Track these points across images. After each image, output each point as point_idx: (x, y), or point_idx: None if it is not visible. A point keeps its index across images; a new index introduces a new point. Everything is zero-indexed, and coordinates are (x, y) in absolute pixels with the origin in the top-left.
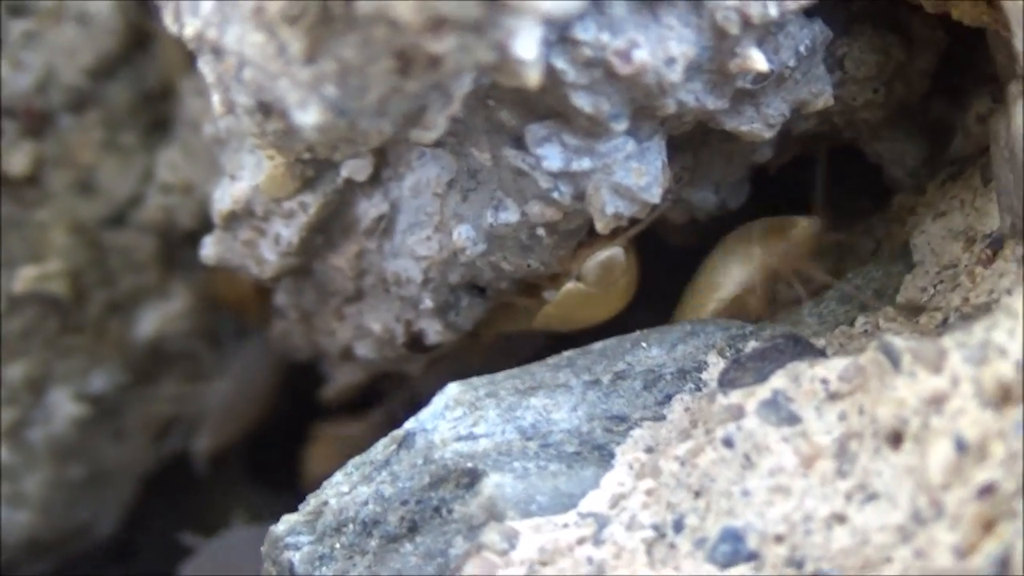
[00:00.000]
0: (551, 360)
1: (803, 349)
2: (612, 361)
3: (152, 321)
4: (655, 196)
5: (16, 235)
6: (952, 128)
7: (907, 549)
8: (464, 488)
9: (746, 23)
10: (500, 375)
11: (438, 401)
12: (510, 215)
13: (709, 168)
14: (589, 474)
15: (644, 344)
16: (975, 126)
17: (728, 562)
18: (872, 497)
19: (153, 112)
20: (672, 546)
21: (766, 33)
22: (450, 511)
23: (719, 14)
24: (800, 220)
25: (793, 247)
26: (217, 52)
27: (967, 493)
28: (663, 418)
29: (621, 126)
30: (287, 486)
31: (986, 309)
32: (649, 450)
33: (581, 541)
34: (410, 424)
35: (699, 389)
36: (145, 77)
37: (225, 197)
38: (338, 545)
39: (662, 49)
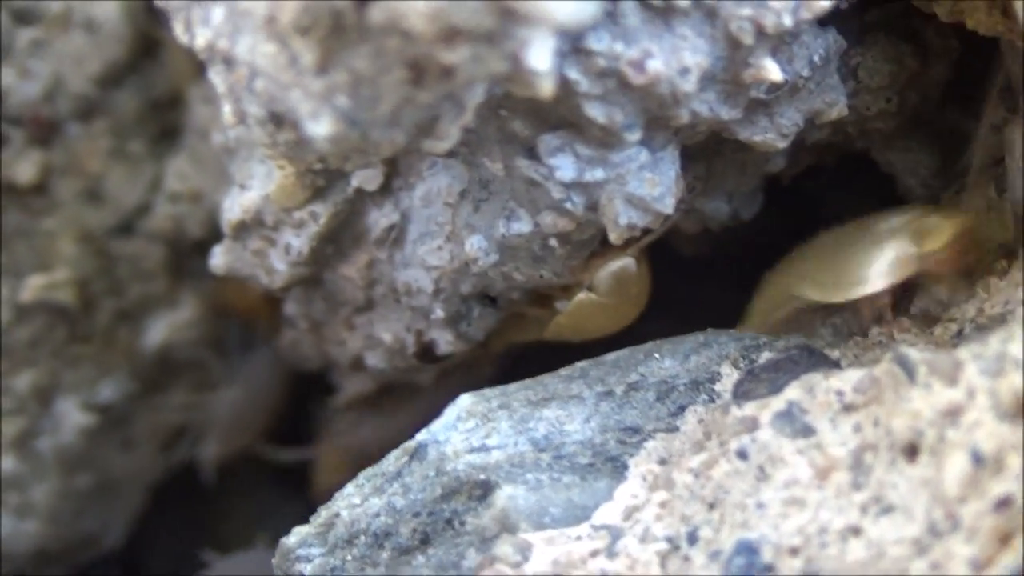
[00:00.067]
0: (564, 371)
1: (817, 360)
2: (625, 372)
3: (160, 330)
4: (668, 206)
5: (24, 244)
6: (966, 138)
7: (923, 562)
8: (476, 500)
9: (760, 33)
10: (512, 386)
11: (450, 412)
12: (523, 225)
13: (722, 178)
14: (602, 486)
15: (657, 355)
16: (989, 136)
17: (742, 575)
18: (888, 510)
19: (161, 120)
20: (686, 558)
21: (780, 43)
22: (462, 523)
23: (733, 24)
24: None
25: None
26: (228, 62)
27: (983, 506)
28: (676, 430)
29: (634, 136)
30: (296, 496)
31: (1001, 320)
32: (663, 462)
33: (595, 553)
34: (422, 435)
35: (713, 400)
36: (153, 85)
37: (235, 206)
38: (350, 557)
39: (676, 59)
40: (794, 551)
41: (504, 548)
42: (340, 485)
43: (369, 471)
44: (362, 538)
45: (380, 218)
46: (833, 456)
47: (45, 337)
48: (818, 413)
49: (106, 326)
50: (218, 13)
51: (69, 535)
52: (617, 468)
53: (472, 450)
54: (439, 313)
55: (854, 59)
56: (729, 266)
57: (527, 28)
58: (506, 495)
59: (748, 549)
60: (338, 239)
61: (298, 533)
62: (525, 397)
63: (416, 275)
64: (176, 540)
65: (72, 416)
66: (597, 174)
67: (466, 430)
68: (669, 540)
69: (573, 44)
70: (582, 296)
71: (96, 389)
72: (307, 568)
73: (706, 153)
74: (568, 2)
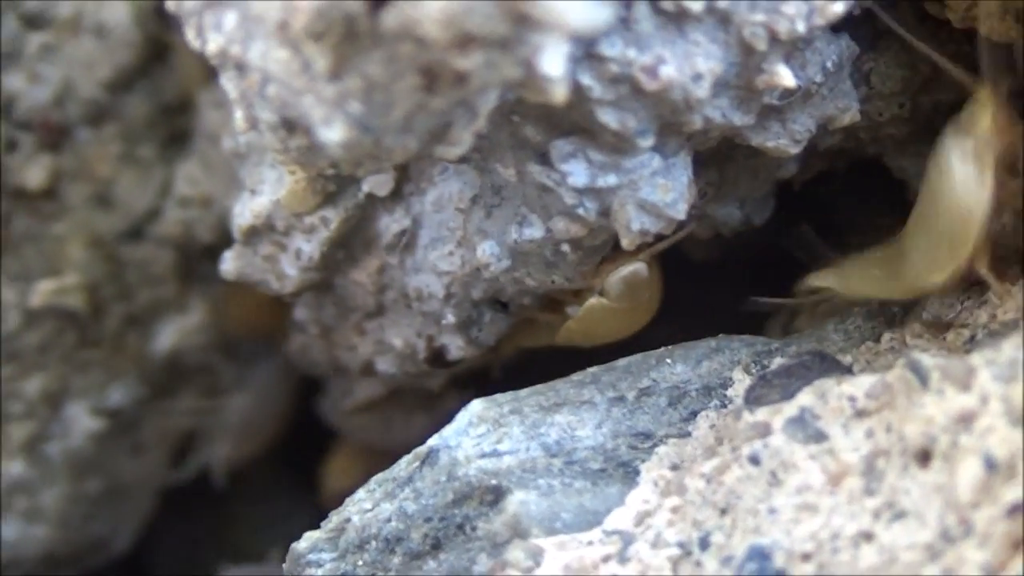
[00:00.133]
0: (575, 376)
1: (829, 366)
2: (637, 377)
3: (170, 335)
4: (681, 212)
5: (33, 249)
6: None
7: (936, 568)
8: (488, 505)
9: (773, 39)
10: (524, 391)
11: (462, 418)
12: (535, 231)
13: (734, 184)
14: (614, 491)
15: (669, 360)
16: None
17: None
18: (900, 515)
19: (171, 125)
20: (698, 564)
21: (793, 49)
22: (474, 528)
23: (746, 30)
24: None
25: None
26: (241, 68)
27: (996, 512)
28: (688, 435)
29: (647, 142)
30: (307, 501)
31: (1014, 326)
32: (674, 467)
33: (606, 559)
34: (433, 441)
35: (724, 406)
36: (163, 90)
37: (245, 212)
38: (361, 562)
39: (689, 65)
40: (806, 557)
41: (516, 553)
42: (351, 490)
43: (380, 476)
44: (373, 543)
45: (391, 223)
46: (845, 462)
47: (54, 342)
48: (830, 419)
49: (115, 331)
50: (230, 18)
51: (78, 540)
52: (629, 473)
53: (484, 455)
54: (450, 318)
55: (867, 65)
56: (741, 271)
57: (540, 34)
58: (518, 500)
59: (760, 555)
60: (349, 244)
61: (309, 538)
62: (536, 402)
63: (427, 280)
64: (185, 545)
65: (81, 421)
66: (609, 180)
67: (477, 435)
68: (681, 545)
69: (586, 50)
70: (593, 301)
71: (105, 394)
72: (318, 573)
73: (718, 159)
74: (581, 8)
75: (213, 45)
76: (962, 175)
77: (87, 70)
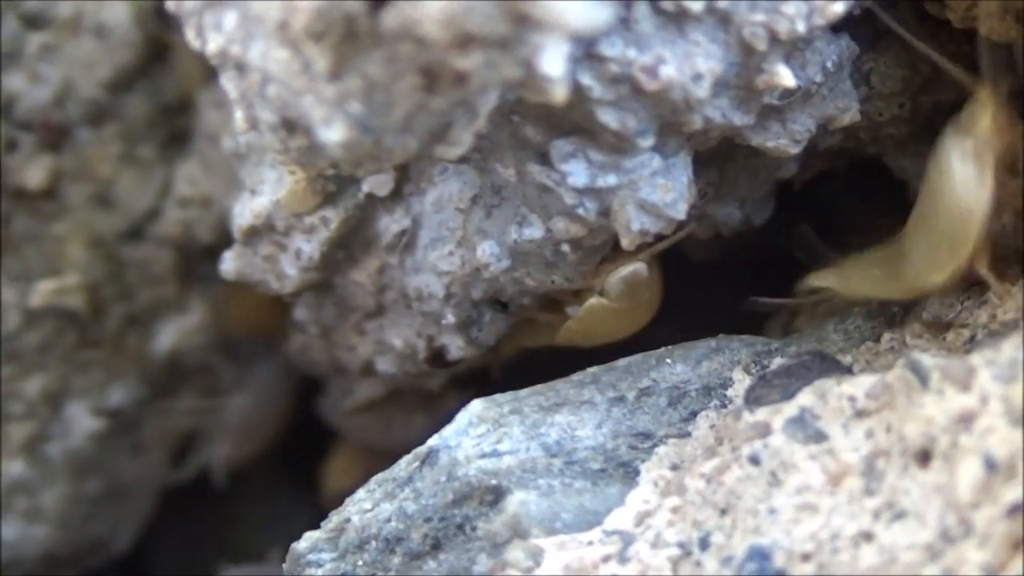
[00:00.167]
0: (575, 377)
1: (829, 366)
2: (637, 378)
3: (170, 335)
4: (681, 212)
5: (33, 249)
6: None
7: (936, 568)
8: (488, 505)
9: (773, 39)
10: (524, 392)
11: (461, 418)
12: (535, 231)
13: (734, 184)
14: (614, 491)
15: (669, 360)
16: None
17: None
18: (900, 515)
19: (171, 125)
20: (698, 564)
21: (793, 49)
22: (474, 528)
23: (746, 30)
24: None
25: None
26: (241, 68)
27: (996, 512)
28: (688, 435)
29: (647, 142)
30: (307, 501)
31: (1014, 326)
32: (674, 467)
33: (606, 559)
34: (433, 441)
35: (724, 406)
36: (163, 90)
37: (245, 212)
38: (361, 562)
39: (689, 65)
40: (806, 557)
41: (515, 553)
42: (351, 490)
43: (380, 476)
44: (373, 543)
45: (391, 223)
46: (845, 462)
47: (54, 342)
48: (830, 419)
49: (115, 331)
50: (230, 19)
51: (78, 540)
52: (629, 473)
53: (483, 455)
54: (450, 318)
55: (867, 65)
56: (741, 271)
57: (541, 34)
58: (518, 500)
59: (760, 555)
60: (349, 244)
61: (309, 538)
62: (536, 402)
63: (427, 280)
64: (185, 545)
65: (81, 421)
66: (609, 180)
67: (477, 435)
68: (681, 546)
69: (586, 50)
70: (593, 301)
71: (105, 394)
72: (318, 573)
73: (718, 159)
74: (581, 8)
75: (213, 45)
76: (962, 175)
77: (87, 70)
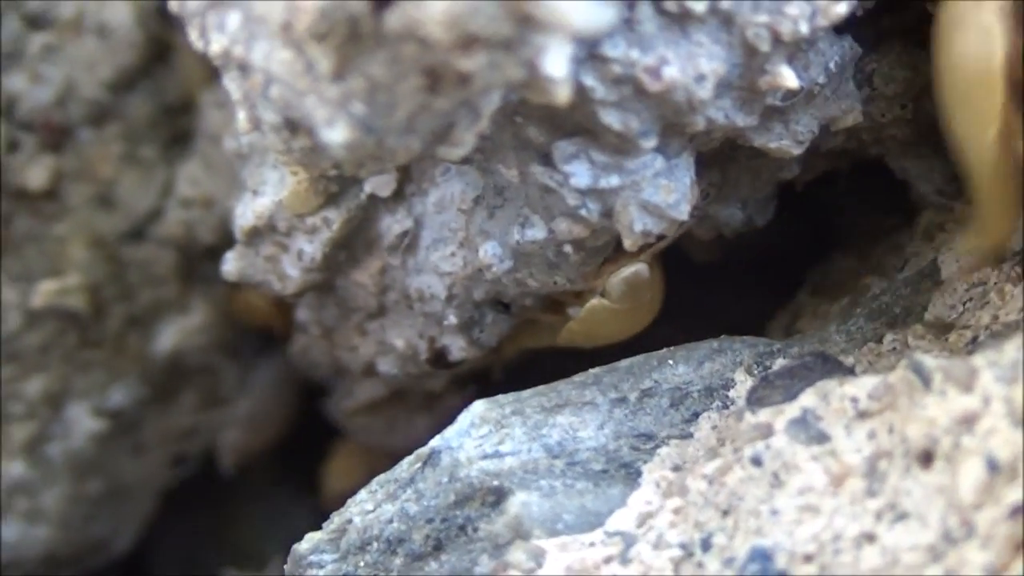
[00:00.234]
0: (577, 377)
1: (832, 367)
2: (639, 378)
3: (171, 336)
4: (683, 213)
5: (35, 249)
6: None
7: (938, 569)
8: (490, 506)
9: (776, 40)
10: (526, 392)
11: (463, 419)
12: (537, 232)
13: (736, 185)
14: (616, 492)
15: (671, 361)
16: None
17: None
18: (902, 516)
19: (173, 125)
20: (700, 565)
21: (796, 50)
22: (475, 529)
23: (749, 31)
24: None
25: None
26: (244, 69)
27: (999, 513)
28: (690, 436)
29: (650, 143)
30: (308, 502)
31: (1016, 327)
32: (676, 468)
33: (608, 560)
34: (435, 442)
35: (726, 407)
36: (165, 90)
37: (247, 212)
38: (362, 563)
39: (692, 66)
40: (808, 558)
41: (517, 554)
42: (353, 491)
43: (382, 477)
44: (375, 544)
45: (393, 224)
46: (848, 463)
47: (56, 342)
48: (833, 420)
49: (117, 331)
50: (234, 19)
51: (79, 540)
52: (631, 475)
53: (485, 456)
54: (452, 319)
55: (869, 66)
56: (743, 272)
57: (544, 35)
58: (519, 501)
59: (762, 556)
60: (351, 245)
61: (310, 539)
62: (539, 403)
63: (429, 281)
64: (186, 545)
65: (82, 421)
66: (612, 181)
67: (479, 436)
68: (683, 547)
69: (589, 51)
70: (595, 302)
71: (107, 394)
72: (319, 574)
73: (720, 159)
74: (585, 9)
75: (216, 46)
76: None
77: (89, 70)
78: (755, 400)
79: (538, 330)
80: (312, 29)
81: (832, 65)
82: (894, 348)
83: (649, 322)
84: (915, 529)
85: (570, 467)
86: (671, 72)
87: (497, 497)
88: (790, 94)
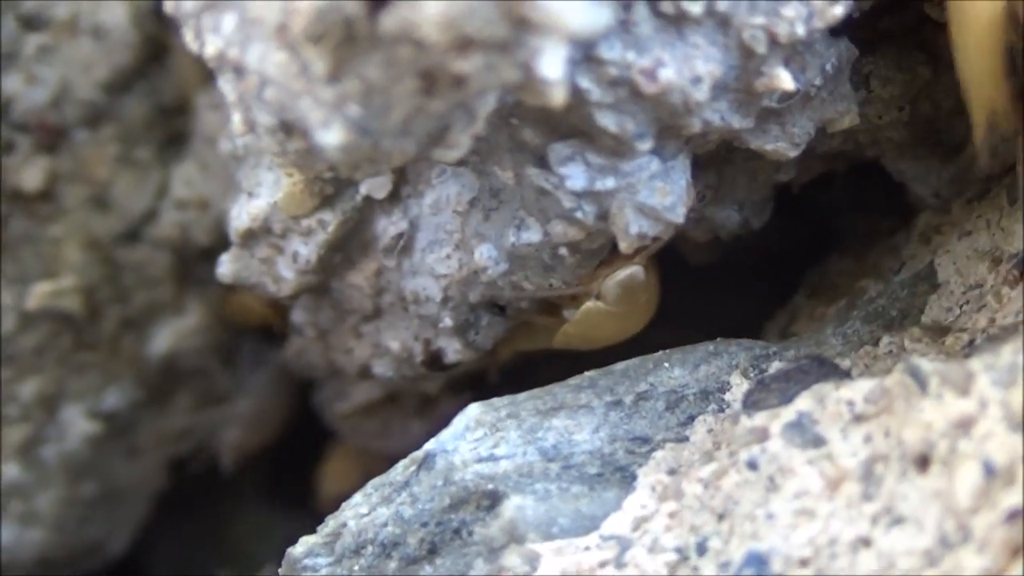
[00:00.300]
0: (572, 381)
1: (828, 370)
2: (634, 382)
3: (166, 338)
4: (679, 216)
5: (30, 251)
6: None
7: (934, 573)
8: (485, 510)
9: (773, 42)
10: (521, 396)
11: (458, 422)
12: (532, 234)
13: (733, 186)
14: (611, 496)
15: (666, 364)
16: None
17: None
18: (898, 521)
19: (169, 127)
20: (695, 569)
21: (793, 52)
22: (470, 533)
23: (746, 33)
24: None
25: None
26: (239, 71)
27: (995, 517)
28: (686, 440)
29: (646, 145)
30: (303, 506)
31: (1013, 330)
32: (672, 472)
33: (603, 564)
34: (430, 445)
35: (722, 410)
36: (161, 91)
37: (242, 214)
38: (357, 567)
39: (688, 68)
40: (804, 562)
41: (512, 558)
42: (348, 494)
43: (377, 480)
44: (369, 548)
45: (388, 226)
46: (843, 467)
47: (50, 344)
48: (828, 423)
49: (112, 334)
50: (229, 21)
51: (73, 543)
52: (626, 478)
53: (480, 460)
54: (447, 322)
55: (866, 68)
56: (739, 275)
57: (539, 37)
58: (514, 505)
59: (757, 560)
60: (346, 247)
61: (305, 543)
62: (534, 406)
63: (424, 283)
64: (181, 548)
65: (77, 424)
66: (608, 183)
67: (474, 440)
68: (678, 551)
69: (585, 53)
70: (590, 305)
71: (101, 397)
72: None
73: (717, 162)
74: (581, 11)
75: (211, 47)
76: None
77: (84, 71)
78: (751, 403)
79: (534, 333)
80: (307, 31)
81: (829, 67)
82: (890, 351)
83: (645, 325)
84: (911, 533)
85: (565, 470)
86: (667, 74)
87: (492, 501)
88: (786, 96)
